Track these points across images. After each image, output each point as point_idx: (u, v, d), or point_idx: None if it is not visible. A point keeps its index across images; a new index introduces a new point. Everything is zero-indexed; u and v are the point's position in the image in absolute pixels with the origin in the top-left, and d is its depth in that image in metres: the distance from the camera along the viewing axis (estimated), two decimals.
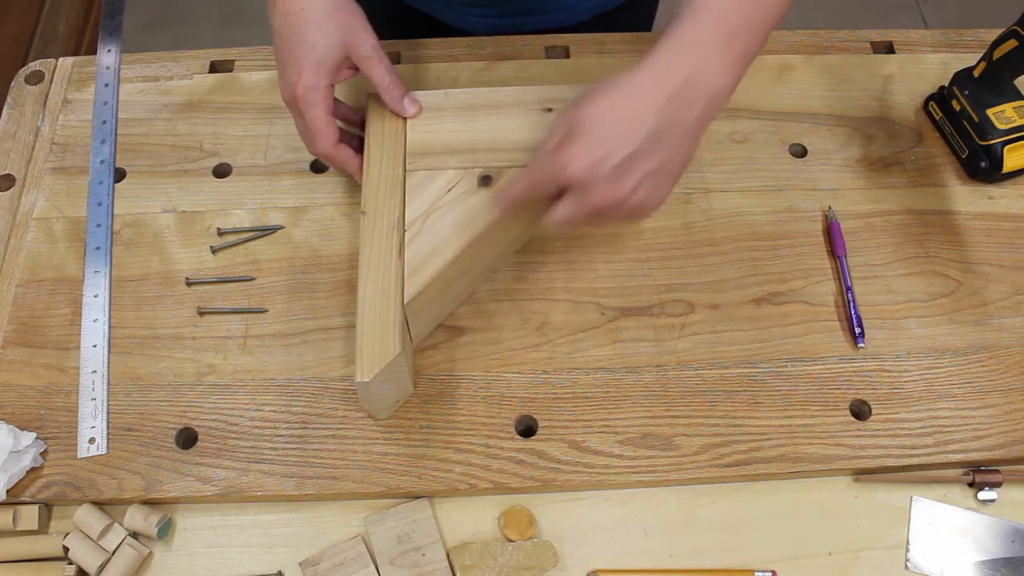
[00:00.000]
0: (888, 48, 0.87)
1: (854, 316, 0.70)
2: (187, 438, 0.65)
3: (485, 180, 0.66)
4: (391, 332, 0.60)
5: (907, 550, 0.63)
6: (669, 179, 0.59)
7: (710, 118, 0.58)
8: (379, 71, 0.66)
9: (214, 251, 0.73)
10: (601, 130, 0.56)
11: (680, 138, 0.57)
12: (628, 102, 0.57)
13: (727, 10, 0.57)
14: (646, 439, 0.65)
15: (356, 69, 0.67)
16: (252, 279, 0.72)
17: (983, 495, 0.64)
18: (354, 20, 0.65)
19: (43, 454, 0.64)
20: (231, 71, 0.84)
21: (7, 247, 0.74)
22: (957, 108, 0.78)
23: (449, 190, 0.66)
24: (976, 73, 0.77)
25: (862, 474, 0.65)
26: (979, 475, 0.64)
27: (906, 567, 0.62)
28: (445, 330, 0.70)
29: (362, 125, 0.71)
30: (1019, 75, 0.75)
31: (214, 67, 0.84)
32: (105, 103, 0.81)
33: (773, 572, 0.61)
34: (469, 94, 0.71)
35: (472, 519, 0.63)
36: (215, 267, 0.73)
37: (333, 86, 0.65)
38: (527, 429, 0.66)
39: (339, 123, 0.68)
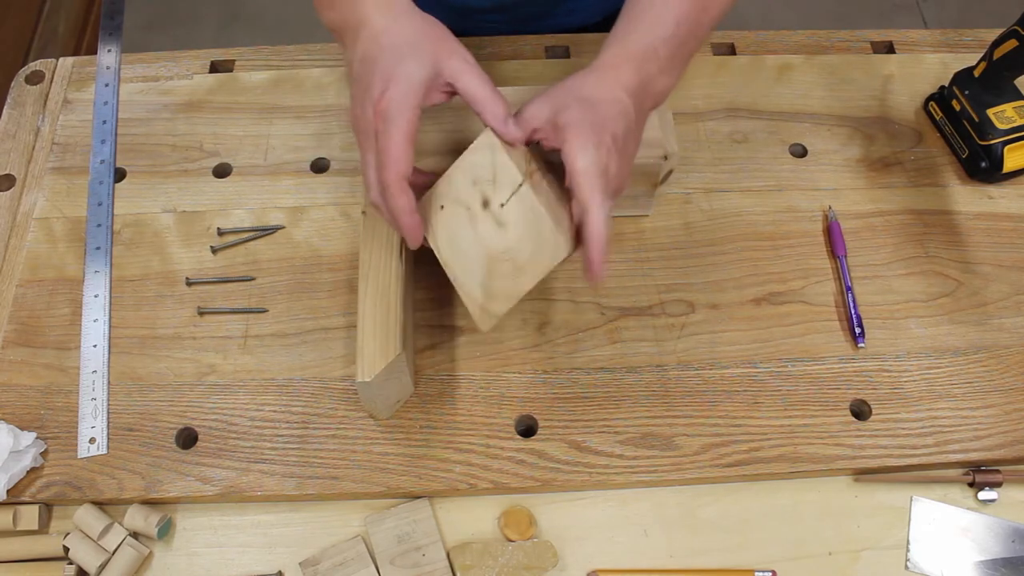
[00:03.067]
0: (888, 48, 0.87)
1: (854, 316, 0.70)
2: (187, 438, 0.65)
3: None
4: (392, 332, 0.60)
5: (907, 550, 0.63)
6: (631, 161, 0.59)
7: (653, 110, 0.62)
8: (476, 84, 0.57)
9: (214, 251, 0.73)
10: (600, 118, 0.56)
11: (639, 125, 0.59)
12: (602, 89, 0.57)
13: (676, 25, 0.59)
14: (646, 439, 0.65)
15: (449, 94, 0.58)
16: (252, 279, 0.72)
17: (983, 495, 0.64)
18: (445, 35, 0.58)
19: (43, 454, 0.64)
20: (231, 71, 0.84)
21: (7, 247, 0.74)
22: (957, 108, 0.78)
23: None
24: (976, 73, 0.77)
25: (862, 474, 0.65)
26: (979, 475, 0.64)
27: (906, 567, 0.62)
28: (445, 330, 0.70)
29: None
30: (1019, 75, 0.75)
31: (214, 67, 0.84)
32: (105, 103, 0.81)
33: (773, 572, 0.61)
34: None
35: (472, 519, 0.63)
36: (215, 267, 0.73)
37: (420, 109, 0.56)
38: (527, 429, 0.66)
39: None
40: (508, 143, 0.57)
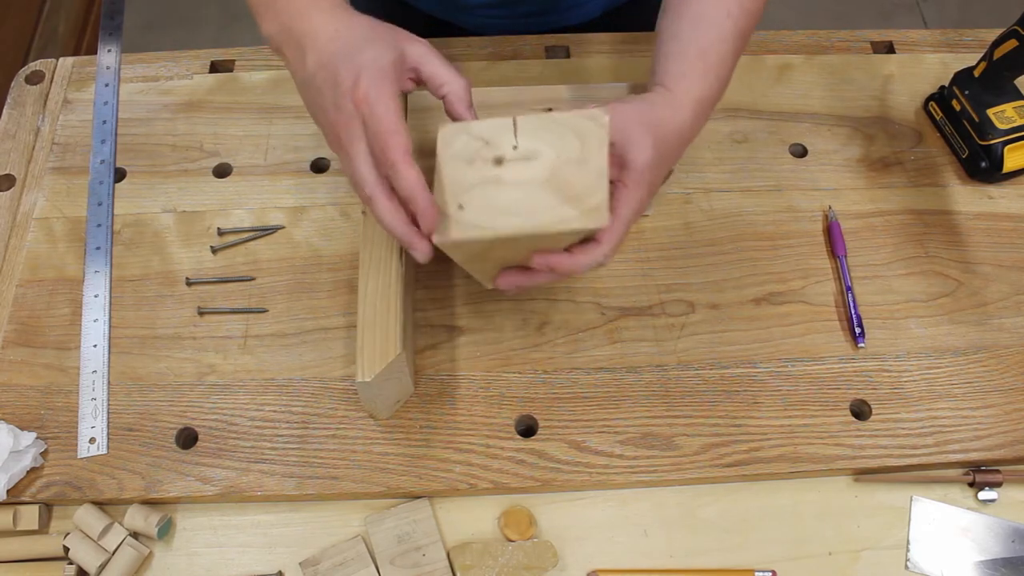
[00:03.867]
0: (888, 48, 0.87)
1: (854, 316, 0.70)
2: (187, 438, 0.65)
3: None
4: (392, 332, 0.60)
5: (907, 550, 0.63)
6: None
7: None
8: (440, 67, 0.57)
9: (214, 251, 0.73)
10: (655, 173, 0.58)
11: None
12: (674, 142, 0.59)
13: (718, 49, 0.61)
14: (646, 439, 0.65)
15: (415, 81, 0.58)
16: (252, 279, 0.72)
17: (983, 495, 0.64)
18: (398, 28, 0.58)
19: (43, 454, 0.64)
20: (231, 71, 0.84)
21: (7, 247, 0.74)
22: (957, 108, 0.78)
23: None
24: (976, 73, 0.77)
25: (862, 474, 0.65)
26: (979, 475, 0.64)
27: (906, 567, 0.62)
28: (445, 330, 0.70)
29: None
30: (1019, 75, 0.75)
31: (214, 67, 0.84)
32: (105, 103, 0.81)
33: (773, 572, 0.61)
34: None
35: (472, 519, 0.63)
36: (215, 267, 0.73)
37: (399, 95, 0.55)
38: (527, 429, 0.66)
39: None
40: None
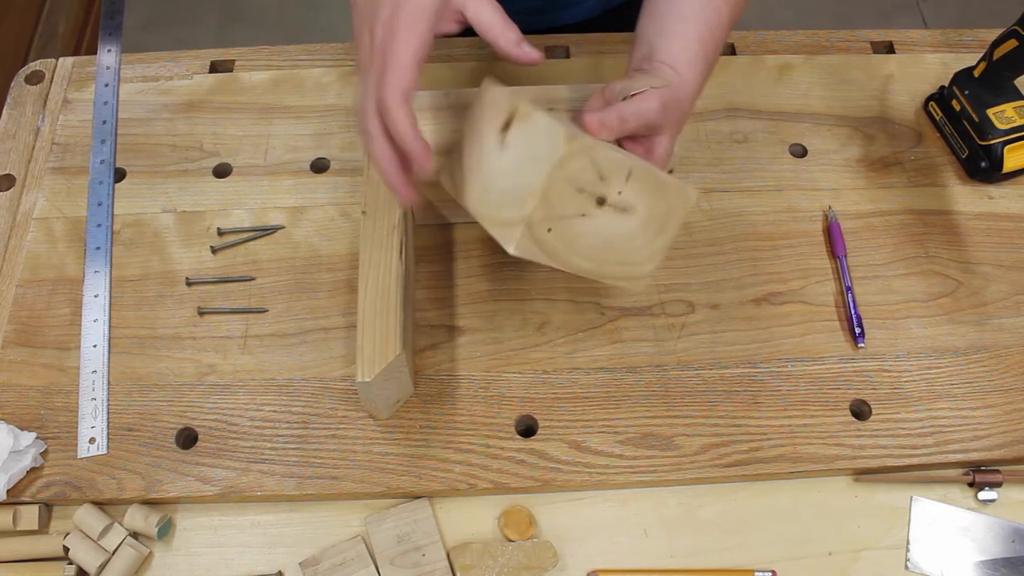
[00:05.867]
0: (888, 48, 0.87)
1: (854, 316, 0.70)
2: (187, 438, 0.65)
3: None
4: (392, 332, 0.60)
5: (907, 550, 0.63)
6: None
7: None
8: (486, 11, 0.54)
9: (214, 251, 0.73)
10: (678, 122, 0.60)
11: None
12: (682, 123, 0.61)
13: (716, 35, 0.62)
14: (646, 439, 0.65)
15: (460, 24, 0.56)
16: (252, 279, 0.72)
17: (983, 495, 0.64)
18: None
19: (43, 454, 0.64)
20: (231, 71, 0.84)
21: (7, 247, 0.74)
22: (957, 108, 0.78)
23: None
24: (976, 73, 0.77)
25: (862, 474, 0.65)
26: (979, 475, 0.64)
27: (906, 567, 0.62)
28: (445, 330, 0.70)
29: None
30: (1019, 75, 0.75)
31: (214, 67, 0.84)
32: (105, 103, 0.81)
33: (773, 572, 0.61)
34: (469, 94, 0.71)
35: (472, 519, 0.63)
36: (215, 267, 0.73)
37: (432, 33, 0.53)
38: (527, 429, 0.66)
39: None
40: (528, 63, 0.54)
